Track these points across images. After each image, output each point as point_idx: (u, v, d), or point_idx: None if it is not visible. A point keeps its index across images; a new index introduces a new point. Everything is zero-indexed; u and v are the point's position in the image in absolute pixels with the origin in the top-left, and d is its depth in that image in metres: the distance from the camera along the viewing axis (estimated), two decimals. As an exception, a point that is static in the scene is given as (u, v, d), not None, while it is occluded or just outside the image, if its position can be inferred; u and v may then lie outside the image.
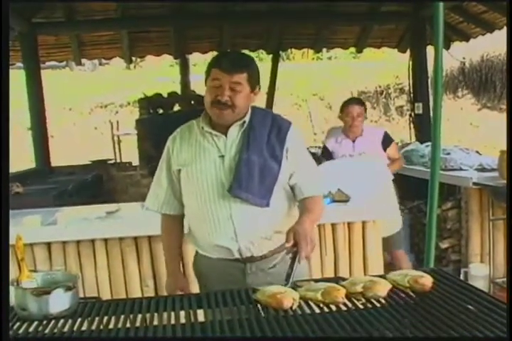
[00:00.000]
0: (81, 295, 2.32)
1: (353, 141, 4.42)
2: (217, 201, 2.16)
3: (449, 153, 4.95)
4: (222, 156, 2.18)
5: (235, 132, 2.19)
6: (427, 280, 1.80)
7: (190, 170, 2.19)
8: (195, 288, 2.44)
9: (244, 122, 2.19)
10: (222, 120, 2.16)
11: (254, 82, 2.15)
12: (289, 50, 12.67)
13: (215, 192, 2.16)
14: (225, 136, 2.19)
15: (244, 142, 2.17)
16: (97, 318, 1.69)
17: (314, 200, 2.25)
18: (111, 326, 1.63)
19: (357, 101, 4.58)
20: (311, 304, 1.73)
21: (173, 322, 1.65)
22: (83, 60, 7.77)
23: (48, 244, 3.22)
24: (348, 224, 3.33)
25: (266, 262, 2.23)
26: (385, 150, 4.41)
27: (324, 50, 10.06)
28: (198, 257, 2.38)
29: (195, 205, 2.23)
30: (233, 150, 2.18)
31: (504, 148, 3.49)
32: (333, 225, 3.33)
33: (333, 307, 1.70)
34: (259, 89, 2.21)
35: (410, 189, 4.99)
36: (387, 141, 4.45)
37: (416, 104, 6.89)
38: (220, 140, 2.19)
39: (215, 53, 8.27)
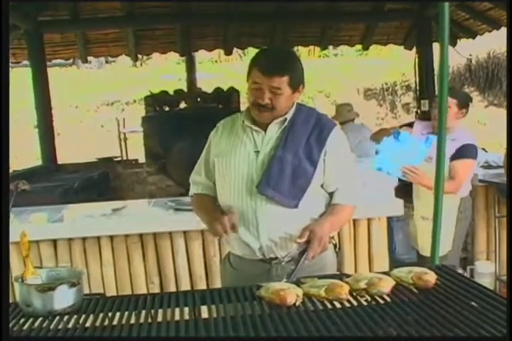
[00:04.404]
0: (87, 291, 2.33)
1: None
2: (244, 196, 2.13)
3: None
4: (257, 152, 2.14)
5: (274, 129, 2.15)
6: (430, 277, 1.80)
7: (225, 161, 2.17)
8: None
9: (285, 119, 2.14)
10: (262, 120, 2.13)
11: (296, 82, 2.07)
12: (296, 48, 12.66)
13: (244, 187, 2.13)
14: (264, 132, 2.15)
15: (281, 139, 2.12)
16: (101, 314, 1.70)
17: (343, 208, 2.20)
18: (115, 322, 1.64)
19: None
20: (315, 300, 1.73)
21: (177, 318, 1.65)
22: (89, 58, 7.79)
23: (54, 241, 3.24)
24: (354, 220, 3.33)
25: (292, 265, 2.10)
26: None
27: (331, 47, 10.02)
28: (226, 258, 2.36)
29: (225, 197, 2.21)
30: (269, 147, 2.13)
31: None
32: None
33: (337, 304, 1.70)
34: (303, 87, 2.12)
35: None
36: None
37: (422, 101, 6.85)
38: (258, 135, 2.16)
39: (221, 51, 8.29)
